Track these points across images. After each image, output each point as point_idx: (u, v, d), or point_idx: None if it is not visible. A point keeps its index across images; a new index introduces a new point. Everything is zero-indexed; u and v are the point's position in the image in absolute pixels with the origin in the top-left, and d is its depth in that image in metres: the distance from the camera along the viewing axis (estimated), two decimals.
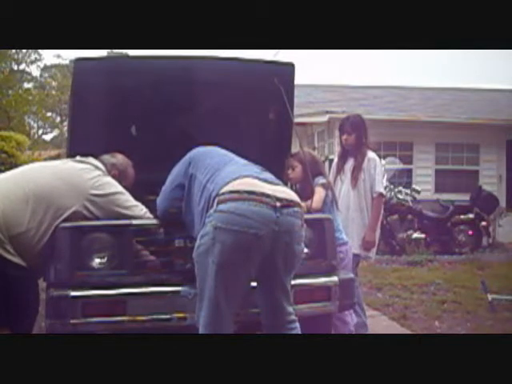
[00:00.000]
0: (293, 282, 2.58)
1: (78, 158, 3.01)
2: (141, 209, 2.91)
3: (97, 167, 2.93)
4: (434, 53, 45.28)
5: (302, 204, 2.65)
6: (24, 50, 21.88)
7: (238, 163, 2.68)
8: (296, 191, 3.14)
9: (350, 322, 3.56)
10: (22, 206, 2.72)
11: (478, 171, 11.45)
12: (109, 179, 2.93)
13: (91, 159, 2.99)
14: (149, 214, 2.92)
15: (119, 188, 2.91)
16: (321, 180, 3.56)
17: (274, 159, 3.26)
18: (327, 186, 3.58)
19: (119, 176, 3.05)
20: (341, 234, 3.55)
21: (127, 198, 2.90)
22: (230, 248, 2.33)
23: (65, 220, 2.74)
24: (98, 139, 3.21)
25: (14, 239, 2.69)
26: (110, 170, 3.01)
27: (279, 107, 3.51)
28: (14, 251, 2.69)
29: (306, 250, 2.81)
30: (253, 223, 2.32)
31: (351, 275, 3.19)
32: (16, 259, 2.69)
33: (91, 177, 2.86)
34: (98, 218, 2.82)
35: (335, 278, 2.96)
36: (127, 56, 3.95)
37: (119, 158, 3.11)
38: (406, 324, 4.62)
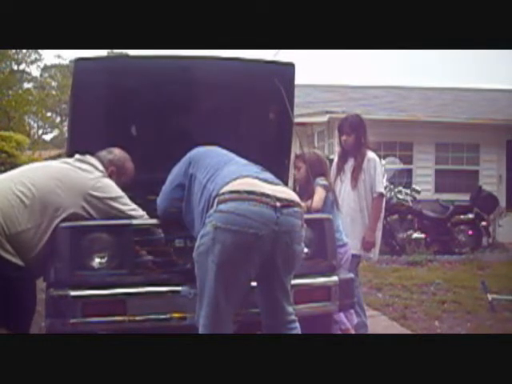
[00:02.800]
0: (293, 282, 2.57)
1: (76, 156, 3.00)
2: (139, 212, 2.90)
3: (96, 168, 2.93)
4: (434, 53, 45.33)
5: (302, 204, 2.65)
6: (24, 50, 21.90)
7: (238, 163, 2.68)
8: (297, 191, 3.14)
9: (341, 320, 3.53)
10: (21, 205, 2.72)
11: (478, 171, 11.44)
12: (109, 181, 2.91)
13: (90, 158, 2.97)
14: (146, 217, 2.90)
15: (118, 192, 2.89)
16: (322, 181, 3.56)
17: (274, 159, 3.26)
18: (328, 188, 3.58)
19: (117, 171, 3.03)
20: (341, 235, 3.55)
21: (125, 202, 2.88)
22: (230, 248, 2.33)
23: (64, 220, 2.74)
24: (98, 139, 3.21)
25: (12, 239, 2.68)
26: (107, 166, 2.99)
27: (279, 107, 3.51)
28: (13, 251, 2.69)
29: (306, 250, 2.81)
30: (253, 223, 2.31)
31: (351, 275, 3.19)
32: (15, 259, 2.69)
33: (91, 178, 2.85)
34: (95, 219, 2.81)
35: (335, 278, 2.96)
36: (127, 56, 3.96)
37: (116, 154, 3.08)
38: (405, 324, 4.62)
